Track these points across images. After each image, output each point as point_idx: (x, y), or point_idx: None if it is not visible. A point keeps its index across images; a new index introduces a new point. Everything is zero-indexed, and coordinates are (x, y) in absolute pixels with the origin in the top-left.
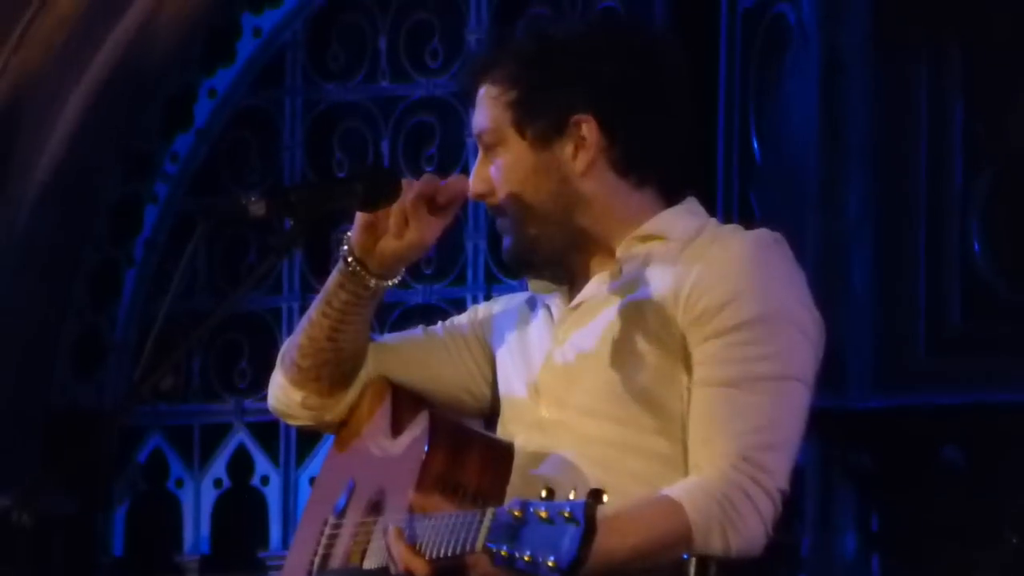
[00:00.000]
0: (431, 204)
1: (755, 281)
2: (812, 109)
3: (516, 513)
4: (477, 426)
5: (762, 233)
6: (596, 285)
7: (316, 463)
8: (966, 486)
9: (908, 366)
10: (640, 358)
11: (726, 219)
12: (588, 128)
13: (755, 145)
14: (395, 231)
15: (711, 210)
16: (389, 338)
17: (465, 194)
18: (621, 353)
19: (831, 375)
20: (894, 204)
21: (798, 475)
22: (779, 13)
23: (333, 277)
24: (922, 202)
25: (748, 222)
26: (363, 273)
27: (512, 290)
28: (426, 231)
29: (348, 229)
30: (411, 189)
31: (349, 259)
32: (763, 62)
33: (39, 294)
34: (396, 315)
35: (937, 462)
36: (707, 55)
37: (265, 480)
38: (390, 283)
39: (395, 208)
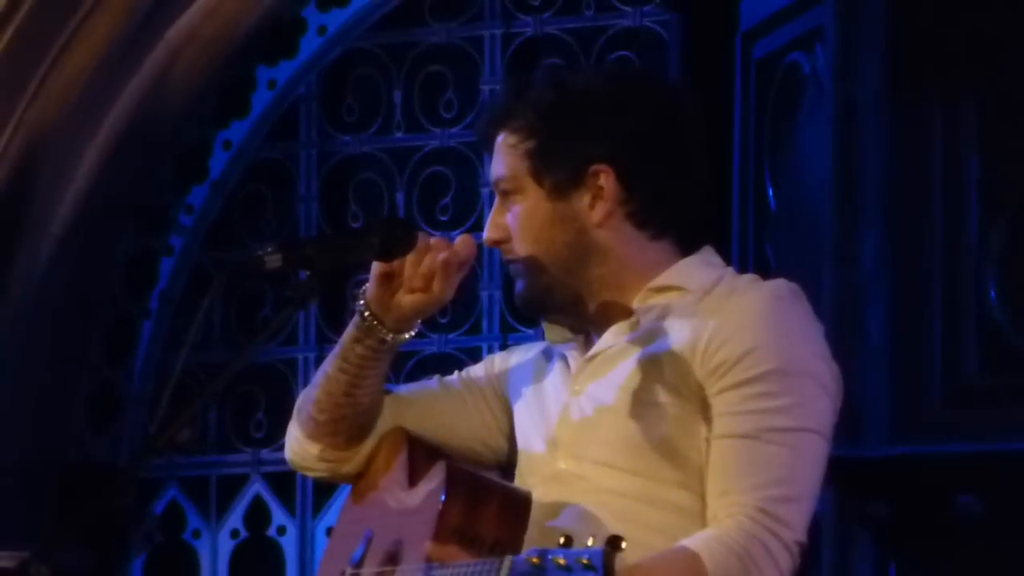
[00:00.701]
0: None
1: (772, 333)
2: (827, 159)
3: (534, 560)
4: (494, 476)
5: (779, 284)
6: (613, 336)
7: (333, 513)
8: (983, 535)
9: (925, 416)
10: (659, 410)
11: (741, 269)
12: (606, 179)
13: (770, 194)
14: (413, 286)
15: (727, 259)
16: (405, 389)
17: (473, 255)
18: (639, 405)
19: (848, 424)
20: (909, 255)
21: (815, 523)
22: (793, 63)
23: (349, 332)
24: (938, 252)
25: (764, 272)
26: (379, 327)
27: (528, 339)
28: (447, 287)
29: (364, 280)
30: (429, 247)
31: (365, 314)
32: (777, 112)
33: (54, 348)
34: (411, 364)
35: (954, 511)
36: (721, 104)
37: (282, 530)
38: (406, 336)
39: (410, 263)
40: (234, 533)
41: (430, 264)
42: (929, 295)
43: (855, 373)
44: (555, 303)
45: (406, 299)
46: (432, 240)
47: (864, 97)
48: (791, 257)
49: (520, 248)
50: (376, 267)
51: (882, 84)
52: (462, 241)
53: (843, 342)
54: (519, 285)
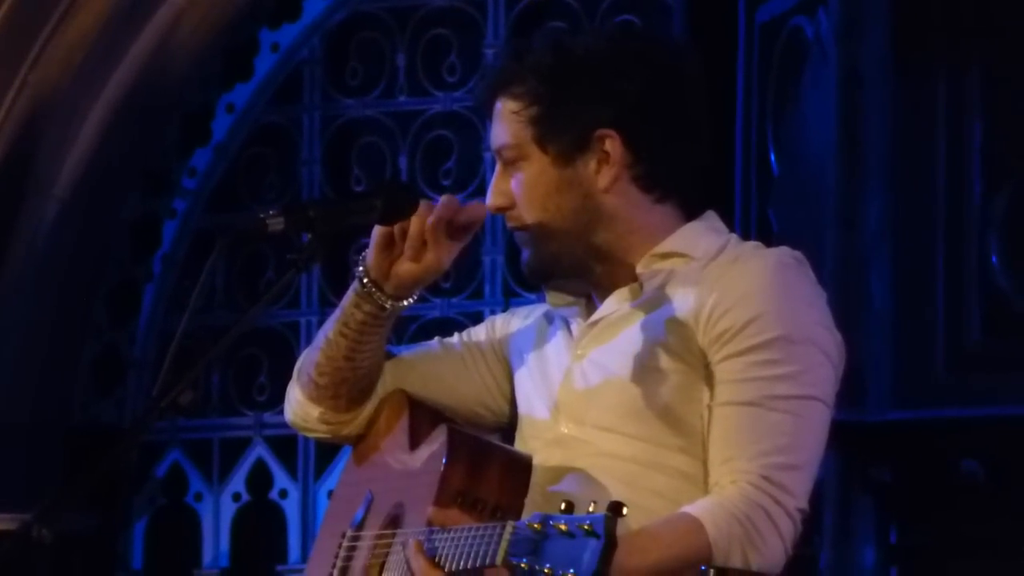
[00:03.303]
0: (449, 227)
1: (776, 301)
2: (830, 124)
3: (536, 526)
4: (495, 439)
5: (783, 252)
6: (616, 302)
7: (334, 476)
8: (985, 500)
9: (927, 381)
10: (661, 376)
11: (744, 234)
12: (612, 144)
13: (773, 160)
14: (411, 254)
15: (729, 225)
16: (406, 352)
17: (482, 220)
18: (642, 371)
19: (851, 389)
20: (913, 219)
21: (817, 488)
22: (797, 27)
23: (349, 297)
24: (941, 217)
25: (766, 237)
26: (379, 294)
27: (529, 303)
28: (443, 254)
29: (365, 245)
30: (431, 213)
31: (365, 280)
32: (781, 76)
33: (58, 311)
34: (413, 328)
35: (956, 476)
36: (724, 69)
37: (284, 494)
38: (406, 303)
39: (412, 231)
40: (236, 496)
41: (418, 231)
42: (932, 260)
43: (858, 338)
44: (562, 270)
45: (404, 267)
46: (443, 197)
47: (868, 62)
48: (794, 222)
49: (526, 215)
50: (377, 233)
51: (886, 49)
52: (474, 205)
53: (846, 307)
54: (525, 254)
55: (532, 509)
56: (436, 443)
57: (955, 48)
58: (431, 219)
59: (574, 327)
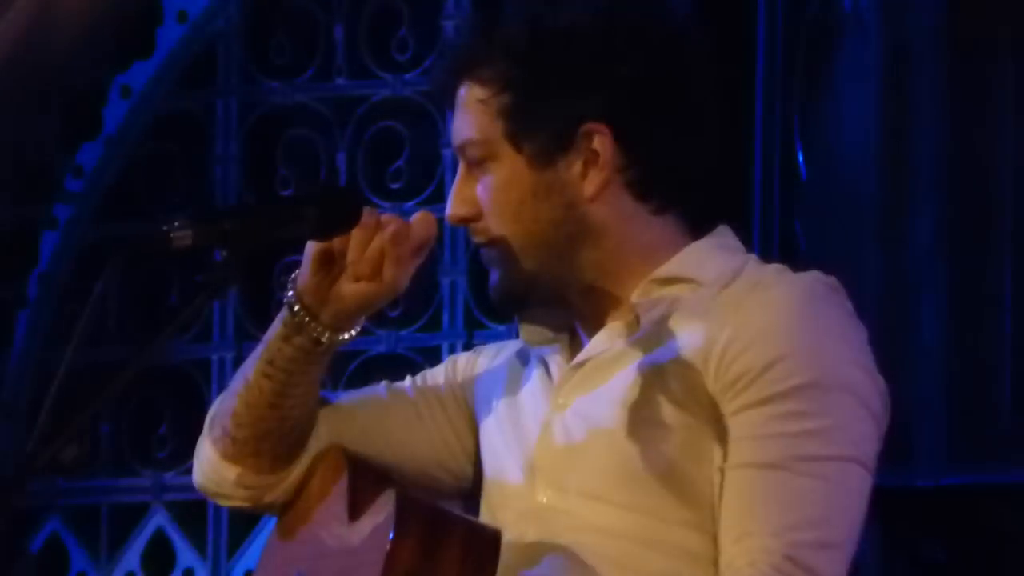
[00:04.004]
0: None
1: (805, 339)
2: (871, 116)
3: None
4: (455, 509)
5: (814, 278)
6: (607, 338)
7: (253, 554)
8: None
9: (989, 436)
10: (663, 431)
11: (764, 253)
12: (601, 141)
13: (800, 161)
14: (356, 271)
15: (746, 241)
16: (345, 398)
17: (433, 235)
18: (639, 424)
19: (896, 447)
20: (972, 235)
21: (854, 569)
22: None
23: (275, 329)
24: (1006, 233)
25: (791, 256)
26: (313, 324)
27: (498, 338)
28: (400, 272)
29: (295, 264)
30: (385, 224)
31: (296, 307)
32: (810, 59)
33: None
34: (354, 367)
35: None
36: (740, 48)
37: (189, 573)
38: (347, 336)
39: (354, 243)
40: None
41: (379, 244)
42: (996, 285)
43: (905, 383)
44: (538, 296)
45: (348, 288)
46: (382, 215)
47: (918, 39)
48: (825, 238)
49: (495, 228)
50: (311, 247)
51: (940, 23)
52: (420, 218)
53: (890, 344)
54: (494, 276)
55: None
56: (382, 513)
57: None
58: (395, 229)
59: (554, 369)
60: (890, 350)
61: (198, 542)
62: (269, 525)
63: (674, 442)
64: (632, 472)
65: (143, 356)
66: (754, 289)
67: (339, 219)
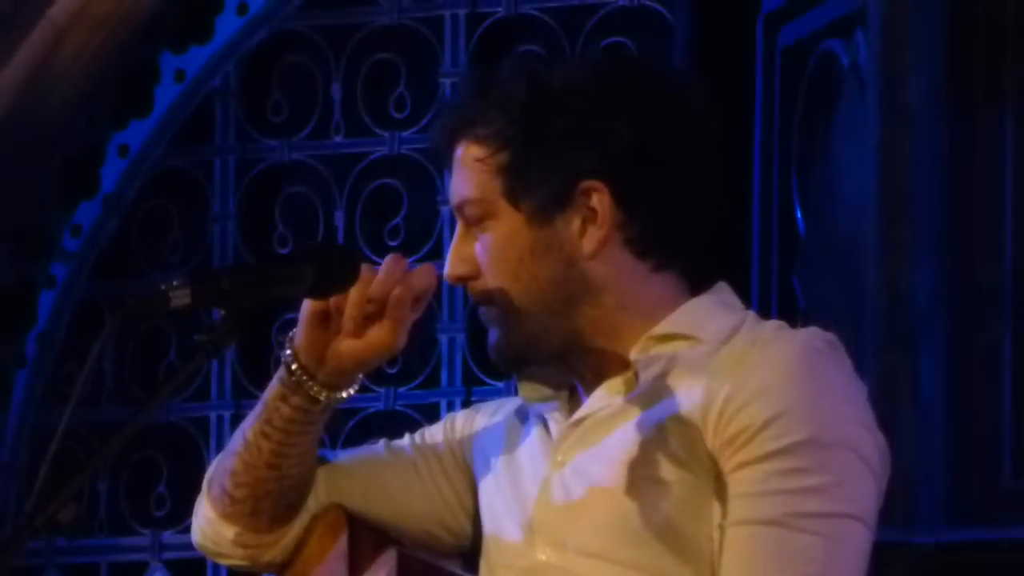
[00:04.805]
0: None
1: (804, 396)
2: (869, 173)
3: None
4: (455, 567)
5: (812, 335)
6: (606, 395)
7: None
8: None
9: (991, 492)
10: (662, 488)
11: (763, 309)
12: (599, 198)
13: (799, 217)
14: (354, 331)
15: (744, 298)
16: (344, 457)
17: (433, 289)
18: (638, 482)
19: (896, 504)
20: (972, 292)
21: None
22: (828, 52)
23: (273, 388)
24: (1007, 289)
25: (791, 315)
26: (311, 383)
27: (497, 394)
28: (398, 328)
29: (292, 323)
30: (383, 281)
31: (294, 366)
32: (808, 115)
33: None
34: (352, 425)
35: None
36: (739, 104)
37: None
38: (344, 395)
39: (351, 302)
40: None
41: (377, 300)
42: (996, 341)
43: (905, 440)
44: (538, 355)
45: (346, 347)
46: (380, 271)
47: (916, 96)
48: (825, 295)
49: (493, 286)
50: (308, 306)
51: (939, 79)
52: (421, 272)
53: (890, 401)
54: (493, 334)
55: None
56: (382, 572)
57: None
58: (397, 292)
59: (553, 427)
60: (890, 407)
61: None
62: None
63: (673, 499)
64: (631, 530)
65: (141, 415)
66: (753, 346)
67: (335, 278)
